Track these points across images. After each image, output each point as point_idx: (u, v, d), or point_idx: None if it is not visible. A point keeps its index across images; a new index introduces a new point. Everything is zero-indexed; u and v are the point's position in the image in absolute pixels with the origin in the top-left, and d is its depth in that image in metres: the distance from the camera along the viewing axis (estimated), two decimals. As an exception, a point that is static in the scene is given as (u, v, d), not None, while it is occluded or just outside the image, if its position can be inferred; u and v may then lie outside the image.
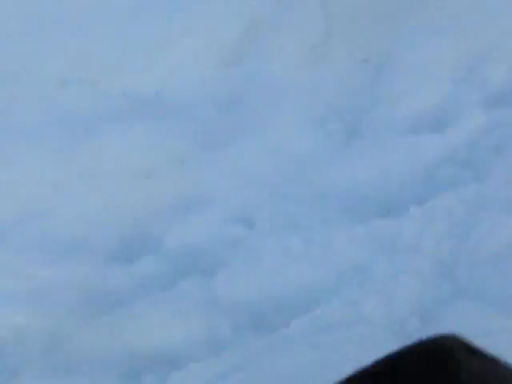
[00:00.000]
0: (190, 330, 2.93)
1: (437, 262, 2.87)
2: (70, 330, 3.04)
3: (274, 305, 2.95)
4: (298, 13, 4.17)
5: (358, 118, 3.64)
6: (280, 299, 2.95)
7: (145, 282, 3.20)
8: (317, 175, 3.39)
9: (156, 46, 4.08)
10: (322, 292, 2.88)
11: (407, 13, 4.02)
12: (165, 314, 3.00)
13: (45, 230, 3.42)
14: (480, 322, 2.64)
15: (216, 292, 3.03)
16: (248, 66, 3.97)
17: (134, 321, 3.02)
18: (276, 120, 3.69)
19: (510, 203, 3.06)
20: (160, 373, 2.82)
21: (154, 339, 2.95)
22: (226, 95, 3.83)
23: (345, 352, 2.58)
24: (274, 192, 3.40)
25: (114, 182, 3.59)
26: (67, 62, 4.00)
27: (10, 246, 3.37)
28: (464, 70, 3.73)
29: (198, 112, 3.78)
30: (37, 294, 3.16)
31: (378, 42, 3.89)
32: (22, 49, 4.10)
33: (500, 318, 2.67)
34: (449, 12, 4.00)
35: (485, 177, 3.22)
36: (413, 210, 3.07)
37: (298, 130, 3.63)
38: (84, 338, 3.00)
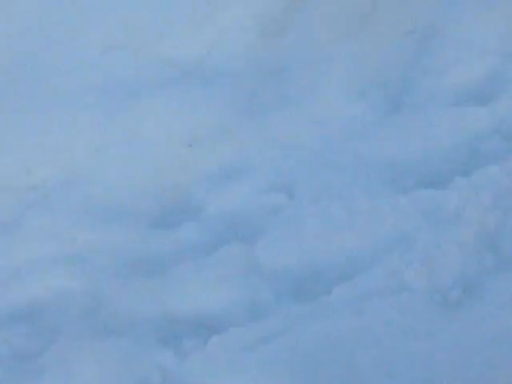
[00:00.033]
0: (231, 295, 2.94)
1: (480, 233, 2.86)
2: (111, 293, 3.06)
3: (315, 272, 2.95)
4: (344, -17, 4.15)
5: (403, 90, 3.62)
6: (321, 267, 2.95)
7: (186, 248, 3.21)
8: (359, 145, 3.38)
9: (200, 14, 4.08)
10: (364, 260, 2.88)
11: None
12: (205, 280, 3.01)
13: (87, 195, 3.45)
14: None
15: (257, 259, 3.03)
16: (292, 35, 3.96)
17: (174, 286, 3.03)
18: (319, 90, 3.68)
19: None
20: (200, 337, 2.84)
21: (195, 304, 2.96)
22: (270, 64, 3.83)
23: (387, 319, 2.58)
24: (316, 162, 3.39)
25: (157, 149, 3.60)
26: (111, 28, 4.01)
27: (53, 209, 3.40)
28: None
29: (242, 81, 3.78)
30: (79, 258, 3.19)
31: (424, 14, 3.87)
32: (68, 15, 4.12)
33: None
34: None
35: (530, 150, 3.20)
36: (457, 181, 3.06)
37: (341, 101, 3.62)
38: (124, 302, 3.02)
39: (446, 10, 3.87)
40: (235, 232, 3.24)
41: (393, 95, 3.63)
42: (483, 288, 2.73)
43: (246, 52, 3.90)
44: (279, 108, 3.67)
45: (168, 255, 3.19)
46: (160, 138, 3.64)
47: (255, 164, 3.47)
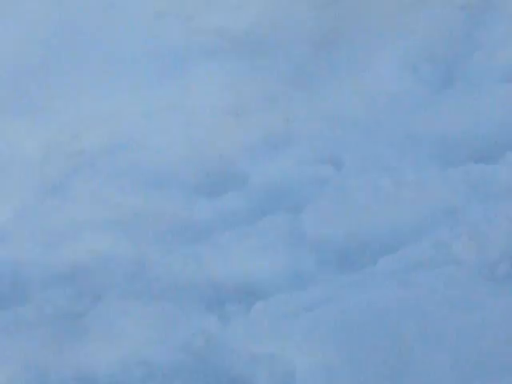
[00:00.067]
0: (275, 263, 2.93)
1: (531, 209, 2.83)
2: (155, 258, 3.07)
3: (361, 243, 2.94)
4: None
5: (454, 65, 3.58)
6: (368, 237, 2.93)
7: (230, 216, 3.21)
8: (409, 119, 3.36)
9: (252, -16, 4.07)
10: (412, 232, 2.85)
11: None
12: (250, 248, 3.01)
13: (134, 161, 3.46)
14: None
15: (302, 228, 3.02)
16: (343, 6, 3.93)
17: (218, 252, 3.03)
18: (370, 63, 3.65)
19: None
20: (244, 302, 2.84)
21: (239, 271, 2.96)
22: (320, 36, 3.80)
23: (433, 291, 2.56)
24: (364, 134, 3.37)
25: (203, 117, 3.60)
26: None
27: (99, 174, 3.41)
28: None
29: (291, 51, 3.77)
30: (124, 222, 3.20)
31: (478, -12, 3.82)
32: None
33: None
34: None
35: None
36: (508, 156, 3.03)
37: (392, 74, 3.59)
38: (168, 267, 3.03)
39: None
40: (280, 202, 3.23)
41: (444, 70, 3.60)
42: (532, 264, 2.70)
43: (296, 23, 3.88)
44: (328, 80, 3.64)
45: (212, 222, 3.19)
46: (207, 107, 3.63)
47: (303, 135, 3.45)
